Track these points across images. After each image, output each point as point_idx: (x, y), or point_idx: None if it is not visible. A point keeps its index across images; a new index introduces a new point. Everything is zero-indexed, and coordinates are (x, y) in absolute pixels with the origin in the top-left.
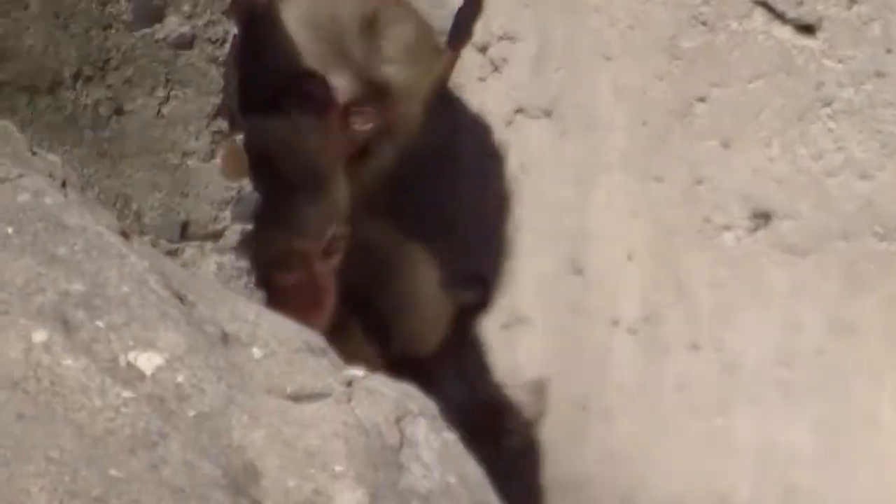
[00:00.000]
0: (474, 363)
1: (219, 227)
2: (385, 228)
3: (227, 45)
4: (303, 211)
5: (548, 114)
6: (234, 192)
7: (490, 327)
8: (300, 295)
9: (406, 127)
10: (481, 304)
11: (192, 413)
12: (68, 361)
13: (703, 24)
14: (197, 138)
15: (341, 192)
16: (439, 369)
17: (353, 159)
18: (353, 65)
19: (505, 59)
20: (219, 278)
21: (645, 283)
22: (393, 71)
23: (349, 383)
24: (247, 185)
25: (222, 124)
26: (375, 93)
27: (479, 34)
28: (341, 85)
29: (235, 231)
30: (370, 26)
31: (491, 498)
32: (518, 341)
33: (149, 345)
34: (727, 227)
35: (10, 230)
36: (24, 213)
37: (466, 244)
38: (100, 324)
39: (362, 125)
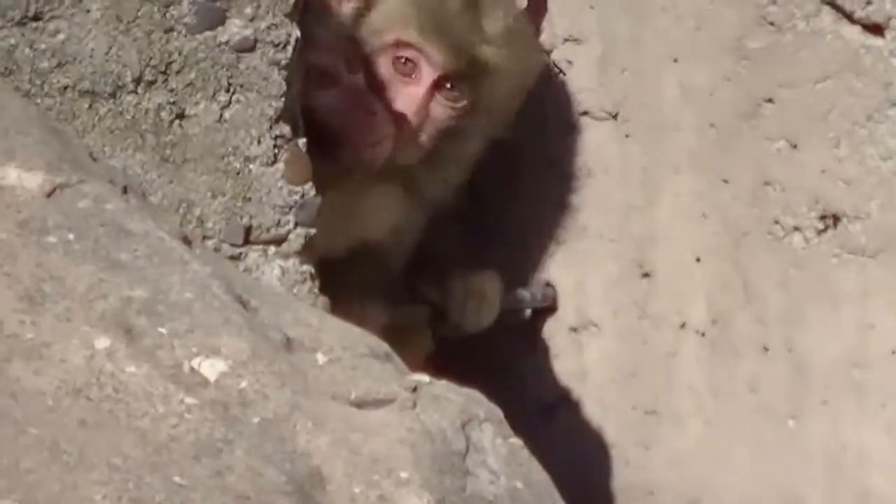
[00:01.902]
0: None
1: (282, 231)
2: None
3: (290, 49)
4: (314, 31)
5: (614, 116)
6: (297, 197)
7: (558, 331)
8: (344, 111)
9: (496, 115)
10: (550, 308)
11: (255, 419)
12: (131, 368)
13: (771, 24)
14: (259, 143)
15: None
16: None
17: (440, 139)
18: (452, 38)
19: (570, 62)
20: (282, 283)
21: (713, 286)
22: (492, 51)
23: (414, 389)
24: (309, 189)
25: (284, 129)
26: (471, 70)
27: (543, 36)
28: (437, 58)
29: (299, 235)
30: (474, 3)
31: (558, 503)
32: (586, 345)
33: (212, 351)
34: (796, 229)
35: (71, 236)
36: (85, 219)
37: (534, 248)
38: (162, 330)
39: (453, 102)
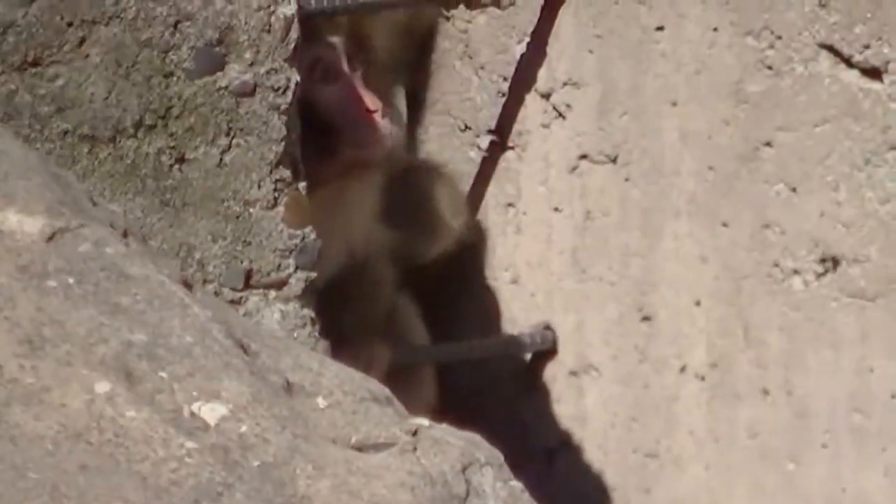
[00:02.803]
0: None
1: (282, 275)
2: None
3: (290, 93)
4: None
5: (613, 160)
6: (297, 241)
7: (558, 374)
8: (346, 107)
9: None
10: (549, 351)
11: (256, 463)
12: (131, 412)
13: (769, 68)
14: (259, 187)
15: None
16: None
17: None
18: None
19: (569, 106)
20: (282, 327)
21: (713, 329)
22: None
23: (414, 433)
24: (310, 233)
25: (284, 173)
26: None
27: (542, 80)
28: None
29: (299, 279)
30: None
31: None
32: (586, 388)
33: (212, 395)
34: (796, 272)
35: (71, 280)
36: (85, 263)
37: (534, 292)
38: (163, 374)
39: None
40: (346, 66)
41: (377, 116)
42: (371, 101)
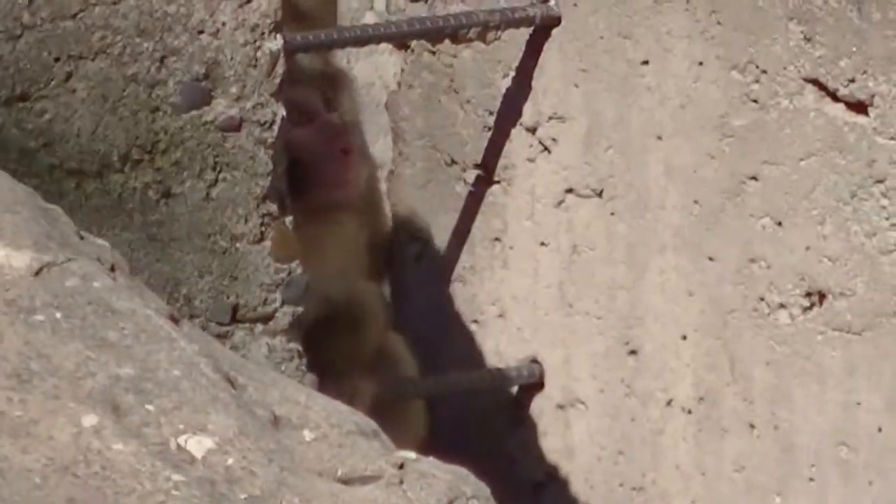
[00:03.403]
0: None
1: (269, 309)
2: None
3: (276, 128)
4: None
5: (599, 194)
6: (283, 275)
7: (545, 408)
8: (320, 149)
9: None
10: (536, 384)
11: (243, 496)
12: (118, 445)
13: (754, 101)
14: (246, 221)
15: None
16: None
17: None
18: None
19: (555, 140)
20: (269, 361)
21: (699, 363)
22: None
23: (401, 466)
24: (296, 267)
25: (271, 207)
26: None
27: (528, 114)
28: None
29: (286, 314)
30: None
31: None
32: (573, 422)
33: (199, 428)
34: (782, 306)
35: (58, 315)
36: (72, 297)
37: (521, 326)
38: (150, 408)
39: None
40: (321, 107)
41: (352, 158)
42: (346, 141)
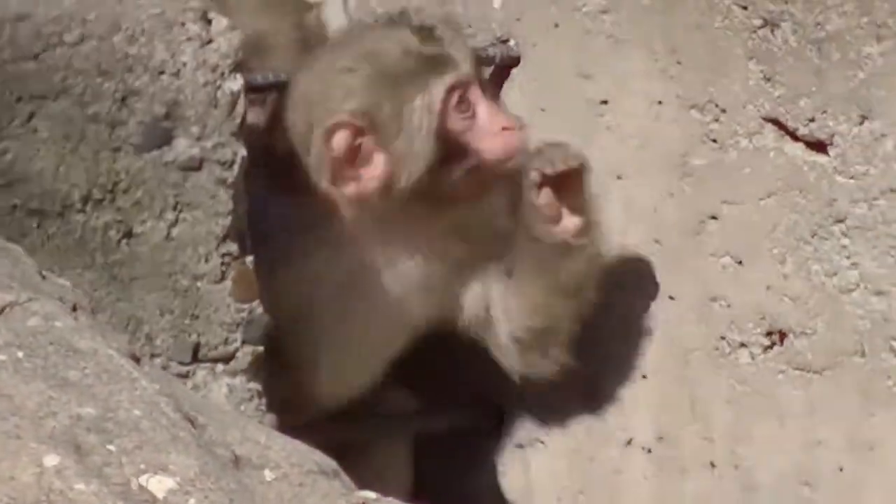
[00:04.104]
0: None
1: (230, 349)
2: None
3: (237, 167)
4: None
5: None
6: (244, 314)
7: (505, 448)
8: (485, 128)
9: None
10: (495, 426)
11: None
12: (80, 485)
13: (714, 141)
14: (207, 261)
15: None
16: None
17: None
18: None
19: None
20: (230, 401)
21: (659, 403)
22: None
23: None
24: (257, 306)
25: (232, 247)
26: None
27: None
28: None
29: (247, 353)
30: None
31: None
32: (532, 461)
33: (160, 468)
34: (742, 345)
35: (20, 354)
36: (34, 336)
37: (481, 367)
38: (111, 448)
39: None
40: (479, 93)
41: (516, 131)
42: (509, 120)
